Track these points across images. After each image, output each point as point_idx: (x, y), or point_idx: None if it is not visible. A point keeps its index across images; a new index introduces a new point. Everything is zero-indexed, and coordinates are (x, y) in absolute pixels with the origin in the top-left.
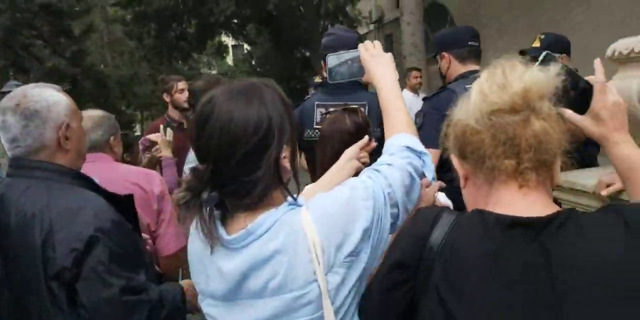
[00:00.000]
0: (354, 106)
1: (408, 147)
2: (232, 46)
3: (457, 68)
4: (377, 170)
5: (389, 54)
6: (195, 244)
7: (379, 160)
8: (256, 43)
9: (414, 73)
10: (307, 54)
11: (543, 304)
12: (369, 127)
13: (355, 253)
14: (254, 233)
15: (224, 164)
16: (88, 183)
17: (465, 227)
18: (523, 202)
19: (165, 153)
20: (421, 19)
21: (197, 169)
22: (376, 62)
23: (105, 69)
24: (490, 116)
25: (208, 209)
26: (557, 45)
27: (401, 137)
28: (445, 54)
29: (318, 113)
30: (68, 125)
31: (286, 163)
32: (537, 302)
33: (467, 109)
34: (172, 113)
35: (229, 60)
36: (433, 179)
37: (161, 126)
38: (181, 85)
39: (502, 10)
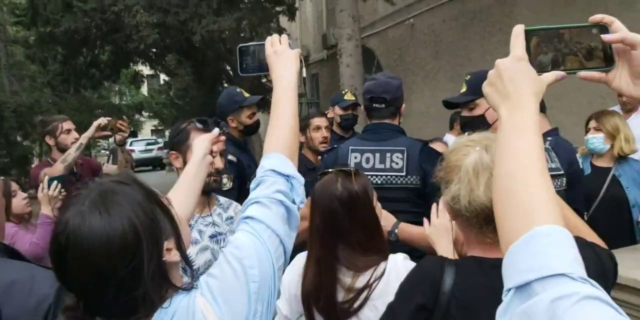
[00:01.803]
0: (349, 169)
1: (274, 171)
2: (148, 76)
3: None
4: (250, 217)
5: (294, 52)
6: None
7: (250, 196)
8: (176, 74)
9: None
10: None
11: None
12: (368, 196)
13: (256, 315)
14: None
15: (96, 295)
16: (15, 255)
17: (467, 272)
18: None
19: (44, 210)
20: (360, 61)
21: (67, 306)
22: (278, 59)
23: (1, 95)
24: (474, 206)
25: None
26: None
27: (269, 158)
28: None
29: (352, 158)
30: None
31: (173, 256)
32: None
33: (458, 192)
34: (57, 156)
35: (143, 89)
36: (301, 202)
37: (46, 178)
38: (67, 125)
39: (428, 58)
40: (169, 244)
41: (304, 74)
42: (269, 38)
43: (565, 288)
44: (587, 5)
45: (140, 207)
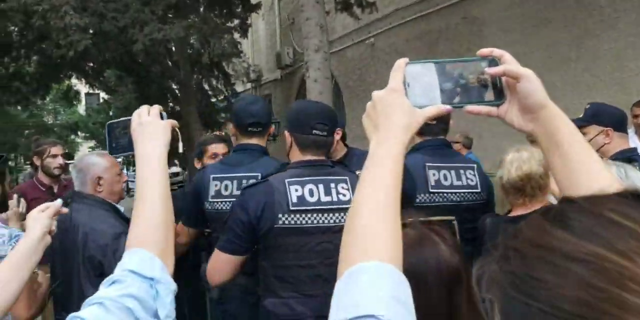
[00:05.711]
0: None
1: (133, 272)
2: (86, 94)
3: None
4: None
5: (164, 122)
6: None
7: (95, 294)
8: (116, 92)
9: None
10: (178, 108)
11: None
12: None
13: None
14: None
15: None
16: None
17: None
18: (525, 208)
19: (14, 226)
20: (330, 75)
21: None
22: (142, 133)
23: None
24: (510, 182)
25: None
26: (602, 117)
27: (131, 254)
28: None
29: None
30: (99, 177)
31: None
32: None
33: (502, 174)
34: (42, 177)
35: (81, 108)
36: (168, 316)
37: (15, 195)
38: (55, 150)
39: None
40: None
41: (181, 149)
42: (136, 111)
43: None
44: (561, 24)
45: None
